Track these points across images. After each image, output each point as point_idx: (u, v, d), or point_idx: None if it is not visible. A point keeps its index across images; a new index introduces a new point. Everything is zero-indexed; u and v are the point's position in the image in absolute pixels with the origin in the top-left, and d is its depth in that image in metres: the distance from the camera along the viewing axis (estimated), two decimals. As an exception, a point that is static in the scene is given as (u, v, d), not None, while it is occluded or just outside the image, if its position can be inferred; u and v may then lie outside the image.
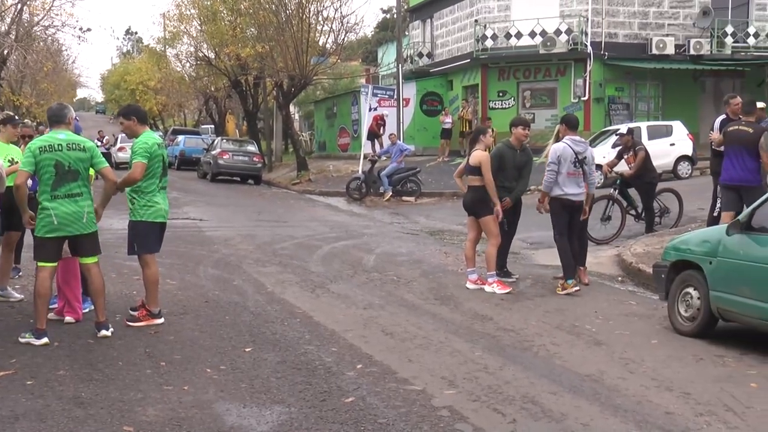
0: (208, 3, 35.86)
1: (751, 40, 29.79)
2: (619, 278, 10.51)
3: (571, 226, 9.62)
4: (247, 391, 5.65)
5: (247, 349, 6.74)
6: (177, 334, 7.20)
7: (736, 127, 10.22)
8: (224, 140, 33.47)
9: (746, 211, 7.19)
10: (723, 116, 11.19)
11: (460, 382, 5.90)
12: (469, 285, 9.61)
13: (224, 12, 35.29)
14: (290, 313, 8.19)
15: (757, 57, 29.24)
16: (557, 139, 9.96)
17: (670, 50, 28.87)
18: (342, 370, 6.19)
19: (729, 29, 29.52)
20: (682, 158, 22.77)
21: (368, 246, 13.26)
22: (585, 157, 9.54)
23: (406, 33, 37.91)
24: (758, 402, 5.52)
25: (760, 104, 11.92)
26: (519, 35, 29.57)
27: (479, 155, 9.47)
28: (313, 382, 5.86)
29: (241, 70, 34.99)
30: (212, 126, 49.86)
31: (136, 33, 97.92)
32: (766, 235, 6.78)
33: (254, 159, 30.69)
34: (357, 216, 19.37)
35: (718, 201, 11.04)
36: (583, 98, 29.23)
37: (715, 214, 11.10)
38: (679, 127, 23.39)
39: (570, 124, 9.76)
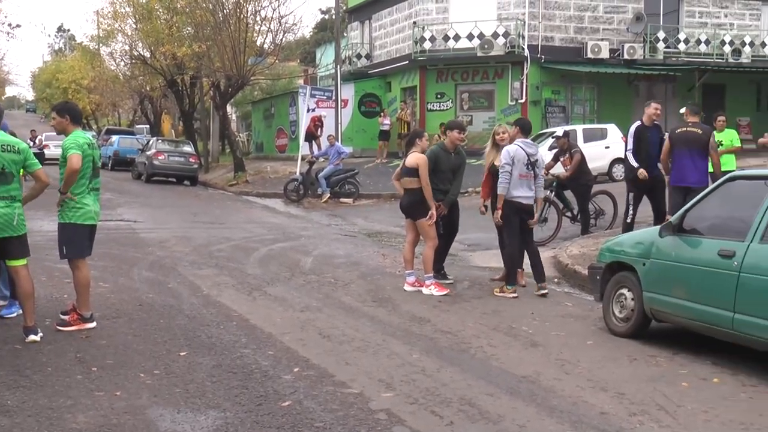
0: (144, 1, 35.30)
1: (682, 46, 30.55)
2: (556, 280, 10.60)
3: (521, 230, 9.52)
4: (182, 396, 5.54)
5: (181, 353, 6.62)
6: (110, 339, 7.05)
7: (685, 129, 10.34)
8: (160, 140, 33.17)
9: (678, 213, 7.32)
10: (638, 123, 11.07)
11: (398, 385, 5.88)
12: (407, 287, 9.60)
13: (160, 10, 34.79)
14: (226, 316, 8.08)
15: (687, 62, 29.94)
16: (493, 141, 10.04)
17: (604, 54, 29.41)
18: (279, 373, 6.12)
19: (661, 35, 30.22)
20: (617, 161, 23.12)
21: (306, 248, 13.18)
22: (537, 160, 9.58)
23: (345, 34, 37.85)
24: (689, 401, 5.61)
25: (681, 110, 12.06)
26: (457, 38, 29.76)
27: (417, 157, 9.44)
28: (249, 386, 5.79)
29: (177, 69, 34.53)
30: (147, 126, 49.18)
31: (68, 30, 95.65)
32: (696, 236, 6.91)
33: (190, 160, 30.37)
34: (294, 218, 19.27)
35: (630, 208, 11.08)
36: (520, 101, 29.53)
37: (629, 220, 11.08)
38: (613, 130, 23.77)
39: (524, 128, 9.77)
